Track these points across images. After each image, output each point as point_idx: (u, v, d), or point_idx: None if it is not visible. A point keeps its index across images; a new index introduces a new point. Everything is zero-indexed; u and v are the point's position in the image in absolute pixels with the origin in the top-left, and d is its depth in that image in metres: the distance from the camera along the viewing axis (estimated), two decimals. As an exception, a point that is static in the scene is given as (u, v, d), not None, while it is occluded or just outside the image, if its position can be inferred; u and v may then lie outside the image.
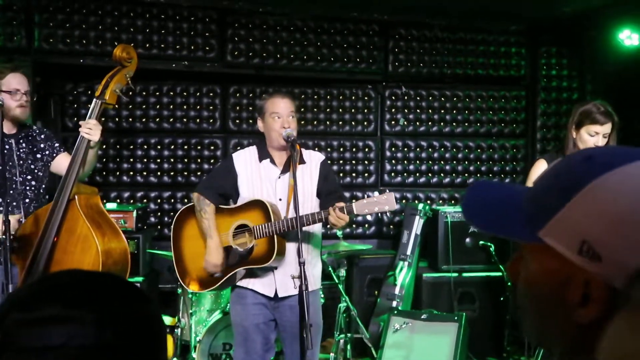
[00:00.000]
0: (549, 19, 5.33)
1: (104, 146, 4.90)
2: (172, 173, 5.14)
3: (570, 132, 3.23)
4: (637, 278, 0.69)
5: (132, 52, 3.01)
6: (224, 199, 3.22)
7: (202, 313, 3.98)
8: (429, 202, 5.42)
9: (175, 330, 4.03)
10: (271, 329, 3.19)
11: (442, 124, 5.53)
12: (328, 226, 3.08)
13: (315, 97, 5.35)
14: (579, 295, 0.73)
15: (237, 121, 5.23)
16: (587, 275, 0.72)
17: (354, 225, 5.38)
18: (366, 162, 5.43)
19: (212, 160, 5.19)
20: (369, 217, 5.36)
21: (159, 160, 5.11)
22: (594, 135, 3.17)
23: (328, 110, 5.36)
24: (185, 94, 5.14)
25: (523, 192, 0.83)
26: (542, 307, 0.79)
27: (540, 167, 3.27)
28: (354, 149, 5.41)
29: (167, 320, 4.25)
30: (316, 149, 5.11)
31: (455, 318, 4.11)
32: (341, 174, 5.34)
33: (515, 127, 5.64)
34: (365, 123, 5.43)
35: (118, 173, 5.06)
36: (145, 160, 5.10)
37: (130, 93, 5.01)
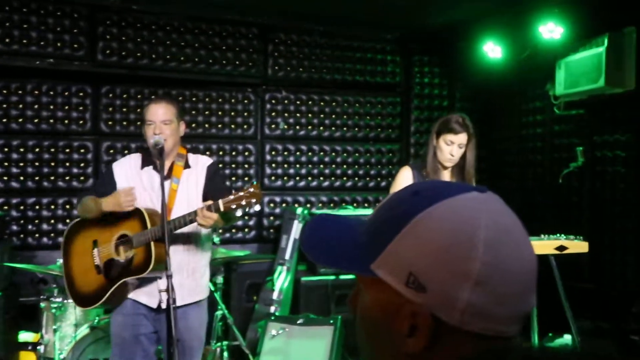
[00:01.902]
0: (421, 29, 5.56)
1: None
2: (37, 178, 4.81)
3: (432, 140, 3.30)
4: (466, 316, 0.70)
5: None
6: None
7: (68, 328, 3.74)
8: (308, 205, 5.47)
9: (38, 347, 3.76)
10: (152, 341, 3.07)
11: (321, 128, 5.60)
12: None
13: (194, 99, 5.22)
14: (407, 325, 0.74)
15: (110, 123, 4.99)
16: (414, 307, 0.73)
17: (233, 230, 5.32)
18: (246, 165, 5.39)
19: (82, 164, 4.92)
20: (250, 222, 5.33)
21: (22, 164, 4.76)
22: (449, 145, 3.23)
23: (207, 112, 5.25)
24: (52, 93, 4.82)
25: (359, 226, 0.84)
26: (375, 338, 0.79)
27: (404, 173, 3.32)
28: (233, 153, 5.35)
29: (30, 336, 3.97)
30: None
31: (331, 321, 4.16)
32: (220, 178, 5.26)
33: (391, 132, 5.84)
34: (245, 126, 5.38)
35: (-26, 178, 4.66)
36: (6, 163, 4.73)
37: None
